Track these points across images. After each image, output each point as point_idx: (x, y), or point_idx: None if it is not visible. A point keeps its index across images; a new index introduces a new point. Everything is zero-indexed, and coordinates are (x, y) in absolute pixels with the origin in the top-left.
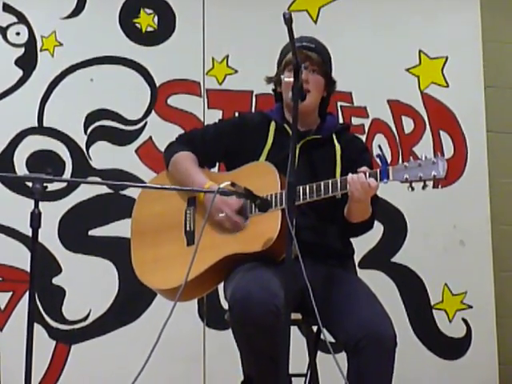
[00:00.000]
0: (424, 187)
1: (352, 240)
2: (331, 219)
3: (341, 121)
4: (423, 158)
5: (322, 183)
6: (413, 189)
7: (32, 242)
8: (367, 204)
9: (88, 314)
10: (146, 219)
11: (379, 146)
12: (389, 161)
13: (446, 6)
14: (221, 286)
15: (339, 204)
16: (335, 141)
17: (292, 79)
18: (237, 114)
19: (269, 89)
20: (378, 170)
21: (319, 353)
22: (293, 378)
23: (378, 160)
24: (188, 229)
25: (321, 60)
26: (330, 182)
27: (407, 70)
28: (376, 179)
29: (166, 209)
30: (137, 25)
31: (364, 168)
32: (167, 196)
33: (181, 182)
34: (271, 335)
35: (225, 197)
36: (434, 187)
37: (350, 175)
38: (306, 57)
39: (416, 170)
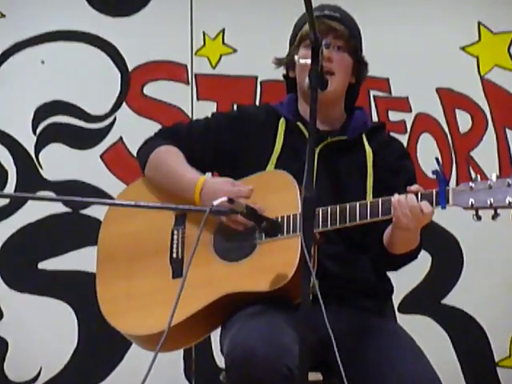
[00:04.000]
0: (495, 217)
1: (390, 275)
2: (363, 247)
3: (374, 117)
4: (493, 178)
5: (358, 205)
6: (479, 218)
7: None
8: (417, 233)
9: (38, 374)
10: (117, 243)
11: (437, 159)
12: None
13: None
14: (215, 334)
15: (374, 227)
16: (365, 143)
17: (309, 60)
18: (235, 108)
19: (278, 74)
20: (434, 191)
21: None
22: None
23: (434, 177)
24: (175, 256)
25: (348, 33)
26: (368, 204)
27: (462, 48)
28: (431, 203)
29: (144, 228)
30: None
31: (415, 187)
32: (146, 212)
33: (165, 185)
34: None
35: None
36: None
37: (396, 196)
38: (329, 29)
39: (485, 194)
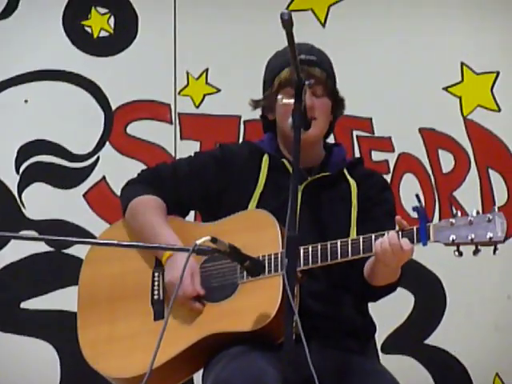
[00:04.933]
0: (476, 252)
1: (373, 314)
2: (346, 285)
3: (357, 155)
4: (474, 214)
5: (339, 243)
6: (461, 254)
7: None
8: (398, 267)
9: None
10: (99, 285)
11: (417, 196)
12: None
13: (496, 9)
14: (198, 375)
15: (357, 264)
16: (348, 176)
17: (292, 101)
18: (218, 146)
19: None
20: (415, 228)
21: None
22: None
23: (415, 213)
24: (156, 297)
25: (325, 76)
26: (350, 242)
27: (445, 88)
28: (412, 240)
29: (125, 271)
30: (86, 28)
31: (398, 221)
32: (127, 253)
33: (139, 236)
34: None
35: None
36: (494, 253)
37: (375, 236)
38: (308, 76)
39: (465, 230)
